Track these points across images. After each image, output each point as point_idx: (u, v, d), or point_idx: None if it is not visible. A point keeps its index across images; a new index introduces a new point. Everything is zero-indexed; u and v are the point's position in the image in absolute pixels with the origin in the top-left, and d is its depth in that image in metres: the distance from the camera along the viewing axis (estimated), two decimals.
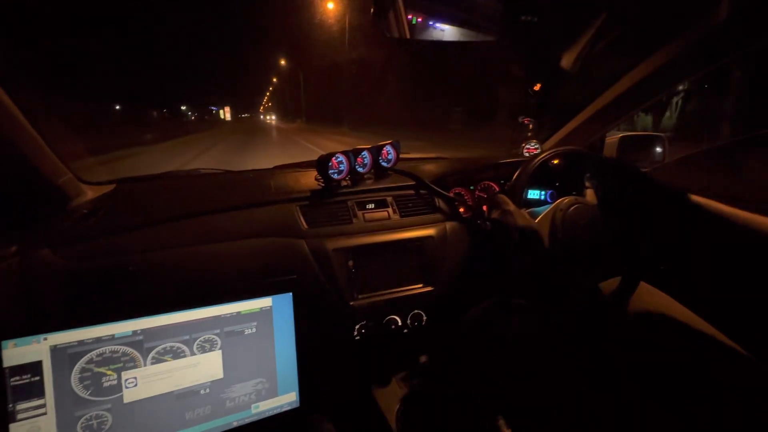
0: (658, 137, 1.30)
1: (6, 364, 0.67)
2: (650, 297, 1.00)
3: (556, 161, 1.22)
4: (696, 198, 0.96)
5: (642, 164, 1.28)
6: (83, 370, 0.72)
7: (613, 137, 1.30)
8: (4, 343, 0.67)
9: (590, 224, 1.01)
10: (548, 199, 1.26)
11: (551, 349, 1.24)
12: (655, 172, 1.09)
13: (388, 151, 1.31)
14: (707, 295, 0.90)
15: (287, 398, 0.91)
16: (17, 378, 0.67)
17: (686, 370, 0.92)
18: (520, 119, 1.43)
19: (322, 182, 1.16)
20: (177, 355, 0.79)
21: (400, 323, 1.10)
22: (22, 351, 0.68)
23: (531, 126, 1.43)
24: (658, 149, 1.30)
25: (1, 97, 0.73)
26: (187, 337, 0.80)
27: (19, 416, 0.67)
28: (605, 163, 1.06)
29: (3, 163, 0.79)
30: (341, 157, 1.18)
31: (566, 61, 1.24)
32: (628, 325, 1.02)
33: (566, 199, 1.03)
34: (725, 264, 0.88)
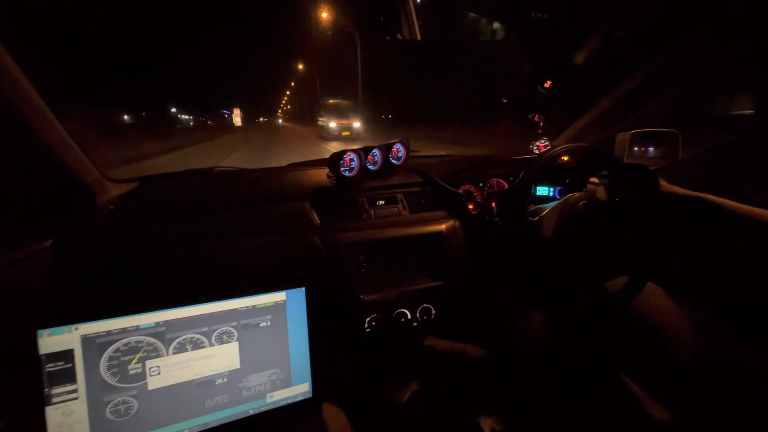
0: (672, 134, 1.28)
1: (42, 351, 0.72)
2: (654, 297, 1.00)
3: (565, 158, 1.23)
4: (707, 196, 0.96)
5: (654, 161, 1.27)
6: (111, 358, 0.77)
7: (625, 134, 1.29)
8: (40, 332, 0.72)
9: (598, 221, 1.02)
10: (557, 196, 1.26)
11: (552, 348, 1.25)
12: (667, 170, 1.08)
13: (398, 149, 1.33)
14: (712, 295, 0.91)
15: (300, 388, 0.95)
16: (52, 365, 0.73)
17: (686, 370, 0.92)
18: (530, 116, 1.44)
19: (334, 179, 1.20)
20: (197, 345, 0.84)
21: (409, 317, 1.12)
22: (56, 340, 0.73)
23: (542, 123, 1.43)
24: (672, 146, 1.29)
25: (37, 101, 0.78)
26: (206, 328, 0.84)
27: (54, 400, 0.73)
28: (614, 161, 1.06)
29: (37, 161, 0.85)
30: (352, 155, 1.21)
31: (577, 57, 1.24)
32: (630, 325, 1.02)
33: (574, 195, 1.03)
34: (734, 264, 0.88)
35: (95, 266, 0.84)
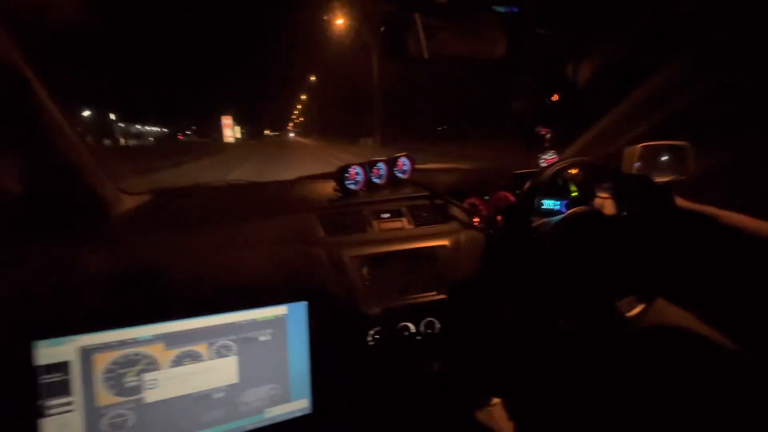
0: (682, 147, 1.26)
1: (37, 362, 0.71)
2: (664, 312, 0.98)
3: (573, 171, 1.21)
4: (720, 212, 0.93)
5: (664, 175, 1.24)
6: (108, 370, 0.76)
7: (633, 147, 1.27)
8: (36, 342, 0.71)
9: (603, 236, 1.00)
10: (563, 210, 1.24)
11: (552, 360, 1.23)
12: (677, 184, 1.06)
13: (404, 162, 1.33)
14: (727, 312, 0.88)
15: (299, 404, 0.93)
16: (48, 376, 0.72)
17: (700, 386, 0.90)
18: (537, 129, 1.43)
19: (340, 192, 1.20)
20: (195, 359, 0.82)
21: (413, 330, 1.11)
22: (52, 351, 0.72)
23: (549, 136, 1.42)
24: (683, 160, 1.26)
25: (53, 112, 0.79)
26: (205, 342, 0.83)
27: (50, 412, 0.72)
28: (620, 175, 1.04)
29: (52, 171, 0.85)
30: (358, 169, 1.22)
31: (584, 70, 1.23)
32: (639, 341, 1.00)
33: (579, 209, 1.02)
34: (747, 280, 0.86)
35: (98, 276, 0.84)
